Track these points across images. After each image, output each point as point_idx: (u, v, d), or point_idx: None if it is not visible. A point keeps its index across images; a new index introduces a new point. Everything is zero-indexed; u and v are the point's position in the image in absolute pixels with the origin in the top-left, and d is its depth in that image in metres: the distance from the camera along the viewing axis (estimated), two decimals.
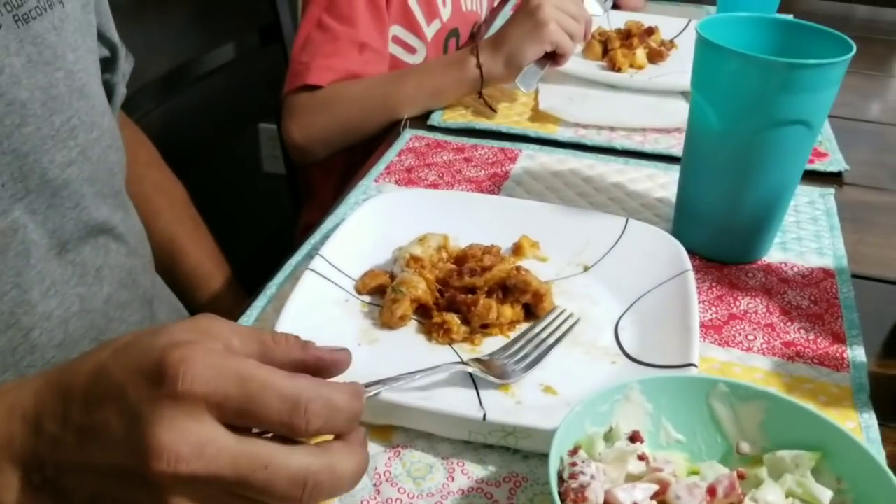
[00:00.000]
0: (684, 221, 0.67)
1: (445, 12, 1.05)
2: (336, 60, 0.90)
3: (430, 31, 1.03)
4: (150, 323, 0.69)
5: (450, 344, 0.53)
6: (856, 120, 0.95)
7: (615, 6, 1.25)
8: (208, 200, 0.91)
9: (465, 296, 0.54)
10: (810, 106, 0.57)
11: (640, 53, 1.04)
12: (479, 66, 0.87)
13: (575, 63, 1.03)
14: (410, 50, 1.02)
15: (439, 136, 0.84)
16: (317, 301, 0.53)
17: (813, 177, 0.79)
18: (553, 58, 0.90)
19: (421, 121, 0.88)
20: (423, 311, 0.55)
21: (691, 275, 0.56)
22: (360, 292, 0.57)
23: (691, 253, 0.64)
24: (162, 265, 0.78)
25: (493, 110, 0.88)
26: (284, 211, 1.27)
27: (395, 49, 1.00)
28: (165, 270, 0.79)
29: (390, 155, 0.80)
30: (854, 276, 0.63)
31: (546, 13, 0.86)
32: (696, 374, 0.47)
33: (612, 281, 0.59)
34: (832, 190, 0.75)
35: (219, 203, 1.48)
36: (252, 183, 1.34)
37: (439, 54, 1.05)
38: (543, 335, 0.53)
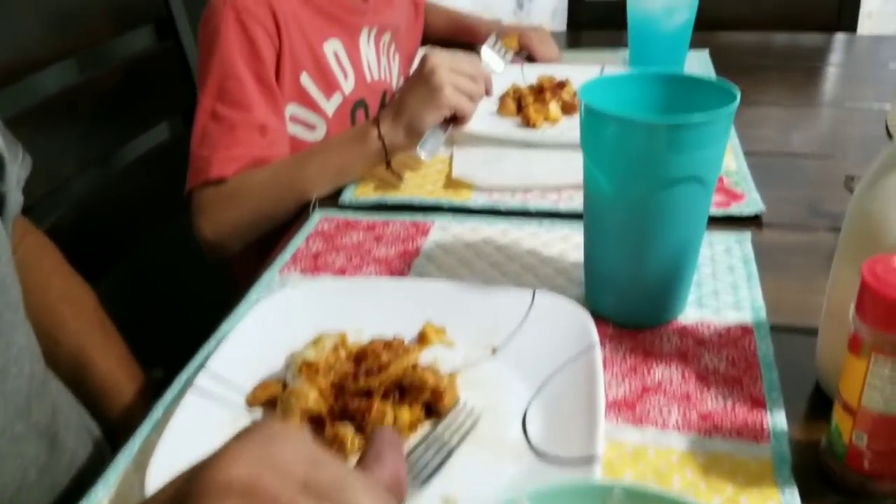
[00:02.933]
0: (594, 287, 0.64)
1: (347, 85, 1.03)
2: (237, 149, 0.87)
3: (330, 105, 1.00)
4: (51, 454, 0.65)
5: (345, 460, 0.49)
6: (774, 155, 0.94)
7: (530, 59, 1.25)
8: (137, 298, 0.88)
9: (360, 401, 0.51)
10: (699, 162, 0.56)
11: (554, 107, 1.03)
12: (380, 137, 0.85)
13: (489, 121, 1.02)
14: (310, 127, 1.00)
15: (350, 216, 0.82)
16: (201, 424, 0.50)
17: (729, 222, 0.77)
18: (454, 120, 0.88)
19: (333, 199, 0.86)
20: (317, 422, 0.52)
21: (598, 350, 0.54)
22: (251, 406, 0.53)
23: (604, 319, 0.62)
24: (70, 378, 0.74)
25: (399, 179, 0.86)
26: (216, 300, 1.23)
27: (293, 129, 0.98)
28: (74, 383, 0.75)
29: (297, 241, 0.77)
30: (774, 327, 0.61)
31: (441, 78, 0.84)
32: (591, 479, 0.44)
33: (520, 363, 0.56)
34: (748, 235, 0.74)
35: (150, 298, 1.45)
36: (182, 273, 1.30)
37: (346, 127, 1.02)
38: (445, 437, 0.50)
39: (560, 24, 1.71)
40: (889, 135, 0.97)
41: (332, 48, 1.02)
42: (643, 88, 0.63)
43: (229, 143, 0.87)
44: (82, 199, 1.08)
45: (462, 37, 1.37)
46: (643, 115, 0.56)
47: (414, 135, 0.86)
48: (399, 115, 0.86)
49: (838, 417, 0.47)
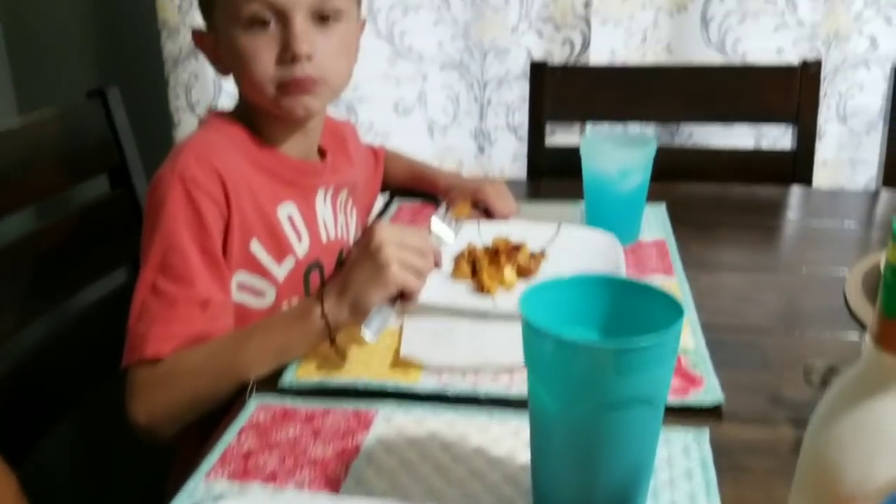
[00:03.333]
0: (540, 502, 0.60)
1: (301, 248, 1.00)
2: (176, 326, 0.83)
3: (281, 270, 0.98)
4: None
5: None
6: (731, 329, 0.92)
7: (487, 213, 1.24)
8: (77, 461, 0.83)
9: None
10: (647, 384, 0.53)
11: (509, 272, 1.01)
12: (324, 315, 0.82)
13: (442, 286, 1.00)
14: (258, 294, 0.96)
15: (289, 403, 0.77)
16: None
17: (687, 413, 0.74)
18: (402, 297, 0.86)
19: (274, 379, 0.81)
20: None
21: None
22: None
23: None
24: None
25: (343, 358, 0.83)
26: (159, 468, 1.17)
27: (240, 297, 0.94)
28: None
29: (229, 436, 0.72)
30: None
31: (387, 255, 0.82)
32: None
33: None
34: (706, 432, 0.70)
35: (92, 460, 1.38)
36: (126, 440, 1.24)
37: (297, 292, 1.00)
38: None
39: (521, 168, 1.73)
40: (849, 308, 0.96)
41: (287, 212, 1.00)
42: (591, 291, 0.61)
43: (168, 318, 0.83)
44: (27, 352, 1.04)
45: (421, 187, 1.37)
46: (585, 337, 0.53)
47: (359, 313, 0.83)
48: (344, 292, 0.83)
49: None
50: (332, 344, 0.83)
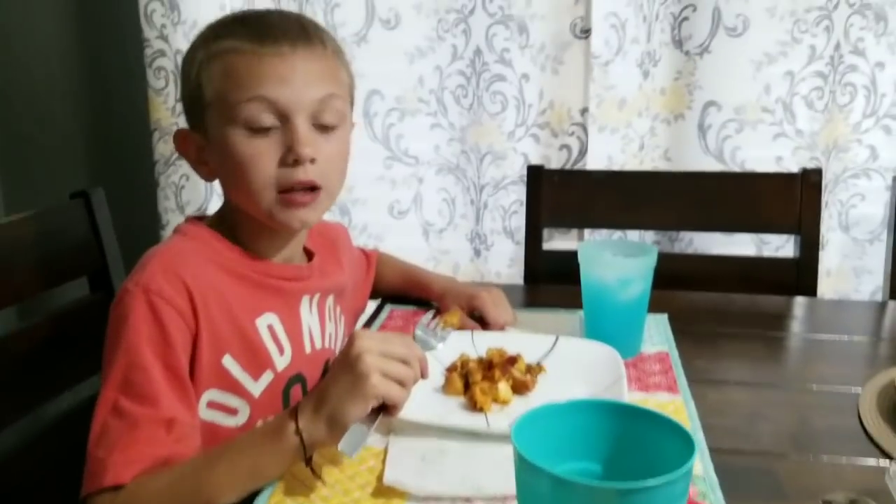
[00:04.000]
0: None
1: (282, 361, 0.94)
2: (138, 449, 0.77)
3: (258, 386, 0.92)
4: None
5: None
6: (742, 453, 0.86)
7: (483, 323, 1.19)
8: None
9: None
10: None
11: (503, 387, 0.95)
12: (298, 432, 0.75)
13: (432, 402, 0.94)
14: (230, 412, 0.90)
15: None
16: None
17: None
18: (385, 409, 0.80)
19: None
20: None
21: None
22: None
23: None
24: None
25: (320, 480, 0.76)
26: None
27: (211, 415, 0.88)
28: None
29: None
30: None
31: (366, 365, 0.76)
32: None
33: None
34: None
35: None
36: None
37: (276, 408, 0.93)
38: None
39: (517, 273, 1.69)
40: (865, 431, 0.90)
41: (267, 322, 0.94)
42: (592, 417, 0.55)
43: (129, 442, 0.77)
44: None
45: (415, 292, 1.32)
46: (586, 472, 0.47)
47: (337, 428, 0.76)
48: (320, 406, 0.77)
49: None
50: (308, 464, 0.77)
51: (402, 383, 0.80)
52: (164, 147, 1.58)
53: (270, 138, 0.89)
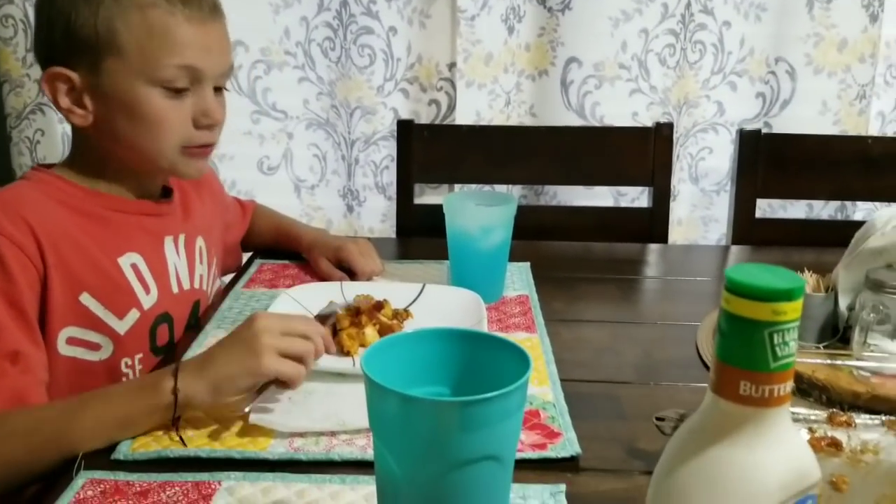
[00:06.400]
0: None
1: (148, 300, 0.95)
2: None
3: (123, 324, 0.92)
4: None
5: None
6: (590, 382, 0.92)
7: (351, 276, 1.21)
8: None
9: None
10: (494, 439, 0.51)
11: (370, 332, 0.98)
12: (175, 391, 0.76)
13: None
14: (92, 347, 0.90)
15: (121, 476, 0.71)
16: None
17: (546, 466, 0.73)
18: (278, 381, 0.81)
19: (105, 453, 0.74)
20: None
21: None
22: None
23: None
24: None
25: (184, 444, 0.76)
26: None
27: (71, 350, 0.88)
28: None
29: None
30: None
31: (262, 344, 0.77)
32: None
33: None
34: (563, 488, 0.69)
35: None
36: None
37: (142, 346, 0.94)
38: None
39: (391, 227, 1.72)
40: (699, 355, 0.98)
41: (130, 261, 0.95)
42: (436, 348, 0.59)
43: None
44: None
45: (285, 244, 1.33)
46: (429, 392, 0.51)
47: (218, 396, 0.77)
48: (204, 370, 0.77)
49: None
50: (174, 423, 0.77)
51: (299, 359, 0.81)
52: (15, 100, 1.51)
53: (184, 100, 0.92)
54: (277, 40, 1.66)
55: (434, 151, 1.63)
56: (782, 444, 0.44)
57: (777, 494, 0.44)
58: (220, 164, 1.66)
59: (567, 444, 0.76)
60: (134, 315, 0.93)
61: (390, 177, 1.74)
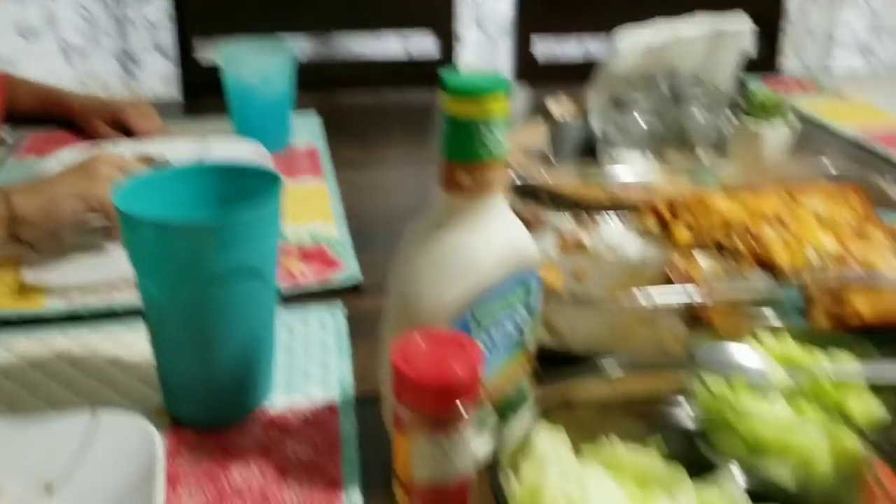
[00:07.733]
0: (169, 392, 0.60)
1: None
2: None
3: None
4: None
5: None
6: (377, 219, 0.97)
7: (128, 133, 1.17)
8: None
9: None
10: (249, 256, 0.54)
11: None
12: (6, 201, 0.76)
13: None
14: None
15: None
16: None
17: (331, 295, 0.78)
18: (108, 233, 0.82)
19: None
20: None
21: (159, 470, 0.50)
22: None
23: (184, 425, 0.58)
24: None
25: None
26: None
27: None
28: None
29: None
30: (363, 400, 0.62)
31: (100, 171, 0.79)
32: None
33: (81, 499, 0.50)
34: (339, 304, 0.75)
35: None
36: None
37: None
38: None
39: (175, 90, 1.65)
40: None
41: None
42: (192, 182, 0.60)
43: None
44: None
45: (54, 112, 1.25)
46: (179, 217, 0.53)
47: (50, 219, 0.78)
48: (37, 189, 0.78)
49: (398, 494, 0.48)
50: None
51: None
52: None
53: None
54: None
55: (212, 4, 1.56)
56: (499, 227, 0.51)
57: (496, 268, 0.50)
58: None
59: (348, 272, 0.81)
60: None
61: (170, 37, 1.66)
